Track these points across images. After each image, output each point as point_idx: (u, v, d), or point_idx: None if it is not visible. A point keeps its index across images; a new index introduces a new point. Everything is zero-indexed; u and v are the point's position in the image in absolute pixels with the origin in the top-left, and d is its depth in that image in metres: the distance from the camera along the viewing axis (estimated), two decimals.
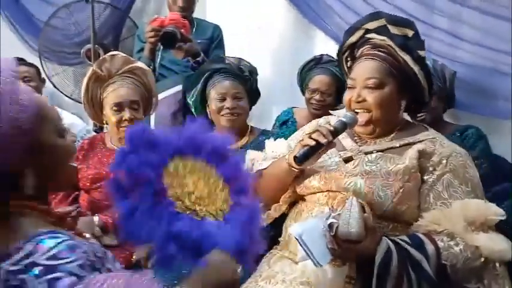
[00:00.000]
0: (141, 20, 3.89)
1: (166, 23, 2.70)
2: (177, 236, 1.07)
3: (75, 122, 3.45)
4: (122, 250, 1.99)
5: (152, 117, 2.82)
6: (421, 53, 1.66)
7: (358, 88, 1.63)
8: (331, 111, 1.90)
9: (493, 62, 2.57)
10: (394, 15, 1.76)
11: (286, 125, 2.76)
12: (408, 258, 1.43)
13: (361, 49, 1.68)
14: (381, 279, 1.40)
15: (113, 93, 2.25)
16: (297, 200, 1.72)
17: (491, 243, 1.46)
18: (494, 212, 1.51)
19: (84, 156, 2.26)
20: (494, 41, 2.55)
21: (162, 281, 0.95)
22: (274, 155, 1.77)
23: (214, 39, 3.08)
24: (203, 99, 2.28)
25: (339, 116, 1.68)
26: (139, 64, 2.37)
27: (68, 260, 0.93)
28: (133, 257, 2.01)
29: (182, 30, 2.71)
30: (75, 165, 1.24)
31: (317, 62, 2.72)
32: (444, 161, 1.58)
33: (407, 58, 1.62)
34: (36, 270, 0.92)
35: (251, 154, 1.85)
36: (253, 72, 2.36)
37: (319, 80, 2.69)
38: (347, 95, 1.67)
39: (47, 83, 3.84)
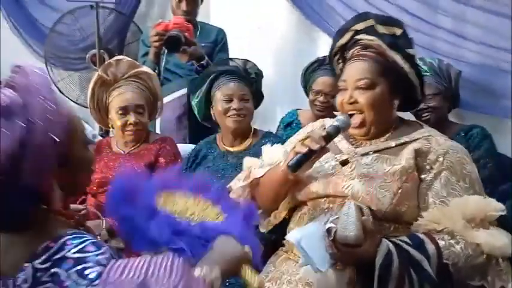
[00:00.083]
0: (145, 25, 3.91)
1: (171, 27, 2.72)
2: (182, 232, 1.12)
3: None
4: (128, 253, 2.00)
5: (157, 122, 2.84)
6: (411, 51, 1.66)
7: (349, 90, 1.62)
8: (335, 113, 1.90)
9: (496, 60, 2.57)
10: (382, 15, 1.76)
11: (290, 127, 2.76)
12: (409, 259, 1.42)
13: (352, 50, 1.67)
14: (382, 282, 1.39)
15: (118, 97, 2.27)
16: (298, 204, 1.71)
17: (492, 239, 1.45)
18: (494, 207, 1.50)
19: None
20: (498, 39, 2.54)
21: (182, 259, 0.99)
22: (271, 161, 1.76)
23: (218, 42, 3.09)
24: (208, 101, 2.28)
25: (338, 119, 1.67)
26: (145, 68, 2.39)
27: (96, 253, 0.97)
28: None
29: (186, 33, 2.72)
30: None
31: (320, 64, 2.72)
32: (441, 159, 1.57)
33: (397, 57, 1.61)
34: (67, 263, 0.95)
35: (248, 161, 1.85)
36: (259, 74, 2.37)
37: (322, 81, 2.69)
38: (339, 97, 1.66)
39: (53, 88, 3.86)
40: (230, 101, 2.21)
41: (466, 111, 2.70)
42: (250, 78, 2.30)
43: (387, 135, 1.66)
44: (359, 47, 1.65)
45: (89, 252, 0.97)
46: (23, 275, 0.97)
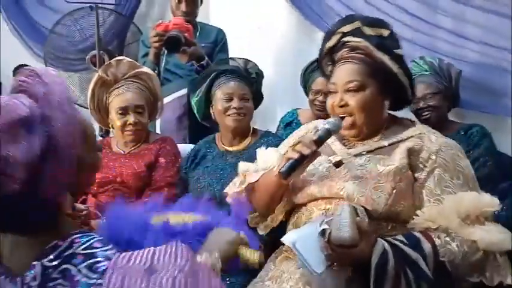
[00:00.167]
0: (145, 26, 3.92)
1: (170, 27, 2.73)
2: (176, 234, 1.21)
3: None
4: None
5: (158, 122, 2.84)
6: (398, 51, 1.65)
7: (339, 92, 1.62)
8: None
9: (496, 60, 2.57)
10: (368, 17, 1.75)
11: (290, 126, 2.76)
12: (404, 258, 1.41)
13: (340, 52, 1.67)
14: (379, 281, 1.39)
15: (118, 98, 2.27)
16: (295, 206, 1.71)
17: (488, 235, 1.44)
18: (489, 203, 1.49)
19: None
20: (497, 39, 2.55)
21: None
22: (265, 166, 1.75)
23: (218, 42, 3.10)
24: (207, 100, 2.28)
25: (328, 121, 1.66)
26: (145, 69, 2.40)
27: (103, 248, 0.99)
28: None
29: (186, 34, 2.73)
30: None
31: None
32: (433, 157, 1.57)
33: (385, 58, 1.61)
34: (77, 259, 0.97)
35: (243, 166, 1.84)
36: (259, 74, 2.37)
37: (321, 81, 2.68)
38: (329, 100, 1.66)
39: None
40: (230, 100, 2.21)
41: (467, 110, 2.70)
42: (250, 78, 2.30)
43: (379, 135, 1.66)
44: (347, 49, 1.65)
45: (97, 248, 0.99)
46: (31, 273, 0.97)
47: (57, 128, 0.98)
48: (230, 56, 3.00)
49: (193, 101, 2.34)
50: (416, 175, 1.57)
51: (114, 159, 2.29)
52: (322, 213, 1.56)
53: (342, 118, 1.61)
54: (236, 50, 3.12)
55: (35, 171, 0.96)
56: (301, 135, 1.79)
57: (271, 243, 1.78)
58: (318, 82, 2.70)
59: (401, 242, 1.45)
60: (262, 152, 1.83)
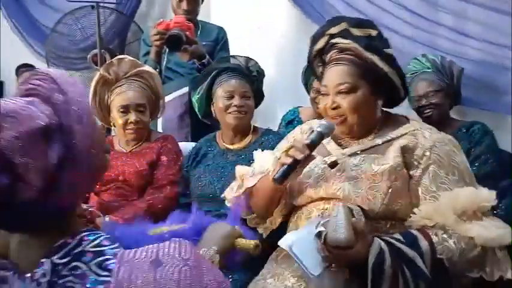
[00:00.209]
0: (146, 24, 3.93)
1: (171, 26, 2.73)
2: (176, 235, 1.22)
3: None
4: None
5: (159, 120, 2.84)
6: (388, 51, 1.65)
7: (331, 95, 1.62)
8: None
9: (497, 57, 2.57)
10: (355, 18, 1.75)
11: (292, 124, 2.76)
12: (401, 257, 1.41)
13: (329, 54, 1.67)
14: (376, 281, 1.39)
15: (120, 96, 2.28)
16: (294, 207, 1.72)
17: (485, 231, 1.43)
18: (486, 198, 1.48)
19: None
20: (498, 36, 2.55)
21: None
22: (261, 170, 1.75)
23: (219, 41, 3.10)
24: (208, 98, 2.28)
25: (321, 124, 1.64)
26: (147, 68, 2.40)
27: (111, 246, 1.00)
28: None
29: (187, 32, 2.73)
30: None
31: None
32: (427, 153, 1.56)
33: (374, 58, 1.60)
34: (86, 256, 0.98)
35: (240, 170, 1.84)
36: (260, 73, 2.37)
37: None
38: (322, 102, 1.66)
39: None
40: (231, 97, 2.20)
41: (468, 107, 2.70)
42: (251, 76, 2.30)
43: (373, 133, 1.66)
44: (336, 50, 1.65)
45: (105, 245, 0.99)
46: (41, 269, 0.98)
47: (76, 139, 0.99)
48: (231, 54, 3.00)
49: (195, 98, 2.34)
50: (411, 173, 1.56)
51: (116, 157, 2.29)
52: (319, 215, 1.57)
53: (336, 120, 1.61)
54: (237, 48, 3.12)
55: (53, 180, 0.96)
56: (298, 133, 1.79)
57: (272, 242, 1.79)
58: None
59: (398, 240, 1.44)
60: (258, 155, 1.84)
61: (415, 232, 1.47)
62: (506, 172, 2.30)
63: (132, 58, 2.39)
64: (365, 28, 1.65)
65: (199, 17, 3.17)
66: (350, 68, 1.61)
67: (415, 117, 2.43)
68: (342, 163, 1.60)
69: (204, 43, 2.93)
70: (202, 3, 3.17)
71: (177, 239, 1.02)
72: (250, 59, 2.35)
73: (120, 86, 2.29)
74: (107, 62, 2.40)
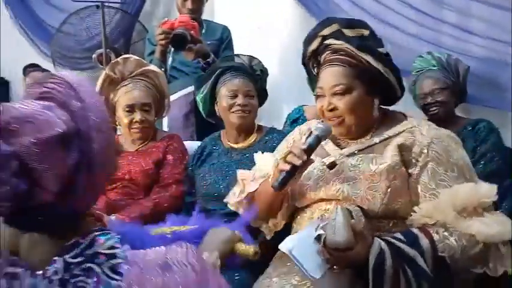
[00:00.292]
0: (150, 24, 3.94)
1: (176, 25, 2.73)
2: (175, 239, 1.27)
3: None
4: None
5: (165, 119, 2.85)
6: (382, 50, 1.64)
7: (327, 96, 1.61)
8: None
9: (501, 54, 2.56)
10: (346, 19, 1.74)
11: (296, 123, 2.75)
12: (402, 256, 1.41)
13: (323, 55, 1.66)
14: (377, 281, 1.39)
15: (125, 96, 2.29)
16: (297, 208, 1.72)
17: (486, 228, 1.42)
18: (486, 193, 1.46)
19: None
20: (502, 33, 2.54)
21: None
22: (262, 174, 1.76)
23: (224, 40, 3.10)
24: (212, 97, 2.28)
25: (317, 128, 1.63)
26: (152, 67, 2.41)
27: (123, 249, 1.01)
28: None
29: (192, 31, 2.73)
30: None
31: None
32: (425, 151, 1.54)
33: (368, 58, 1.59)
34: (99, 259, 0.99)
35: (242, 174, 1.85)
36: (264, 71, 2.36)
37: None
38: (318, 104, 1.65)
39: None
40: (235, 96, 2.20)
41: (472, 105, 2.70)
42: (255, 75, 2.30)
43: (371, 132, 1.65)
44: (329, 51, 1.64)
45: (117, 248, 1.01)
46: (53, 267, 0.99)
47: (93, 145, 1.00)
48: (236, 52, 3.00)
49: (199, 97, 2.34)
50: (410, 171, 1.55)
51: (122, 156, 2.30)
52: (319, 217, 1.56)
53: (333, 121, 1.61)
54: (242, 47, 3.12)
55: (69, 184, 0.98)
56: (295, 138, 1.79)
57: (276, 243, 1.80)
58: None
59: (398, 240, 1.44)
60: (259, 158, 1.84)
61: (415, 231, 1.47)
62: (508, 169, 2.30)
63: (137, 57, 2.40)
64: (357, 28, 1.64)
65: (203, 17, 3.18)
66: (344, 69, 1.60)
67: (419, 115, 2.44)
68: (340, 164, 1.59)
69: (208, 42, 2.93)
70: (206, 2, 3.18)
71: (183, 243, 1.03)
72: (254, 57, 2.34)
73: (125, 85, 2.30)
74: (112, 62, 2.41)
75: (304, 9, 3.34)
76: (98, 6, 3.75)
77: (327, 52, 1.65)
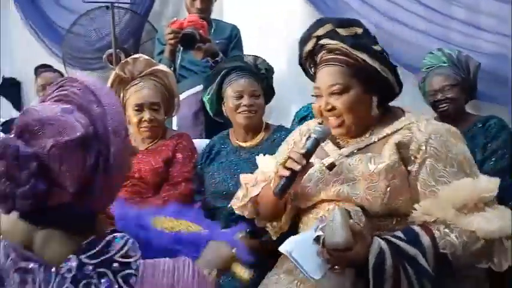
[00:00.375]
0: (160, 24, 3.96)
1: (185, 24, 2.75)
2: (178, 240, 1.32)
3: None
4: None
5: (174, 118, 2.87)
6: (377, 47, 1.63)
7: (324, 96, 1.61)
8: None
9: (510, 50, 2.54)
10: (339, 18, 1.73)
11: (305, 120, 2.76)
12: (402, 255, 1.40)
13: (319, 55, 1.65)
14: (378, 280, 1.39)
15: (135, 95, 2.31)
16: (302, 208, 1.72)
17: (486, 224, 1.40)
18: (486, 188, 1.44)
19: None
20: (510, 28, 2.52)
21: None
22: (264, 177, 1.76)
23: (233, 39, 3.11)
24: (219, 97, 2.29)
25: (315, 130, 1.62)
26: (161, 66, 2.42)
27: (135, 258, 1.04)
28: None
29: (201, 31, 2.75)
30: None
31: None
32: (423, 147, 1.52)
33: (364, 56, 1.58)
34: (114, 267, 1.02)
35: (244, 178, 1.85)
36: (269, 70, 2.36)
37: None
38: (316, 104, 1.65)
39: None
40: (241, 97, 2.21)
41: (482, 102, 2.68)
42: (260, 74, 2.29)
43: (370, 130, 1.64)
44: (325, 51, 1.64)
45: (131, 257, 1.03)
46: (67, 265, 1.01)
47: (111, 148, 1.02)
48: (245, 52, 3.01)
49: (205, 98, 2.36)
50: (409, 168, 1.53)
51: None
52: (318, 219, 1.55)
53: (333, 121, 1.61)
54: (250, 46, 3.13)
55: (87, 184, 1.00)
56: (295, 140, 1.79)
57: (280, 243, 1.80)
58: None
59: (398, 238, 1.43)
60: (260, 161, 1.84)
61: (416, 228, 1.46)
62: None
63: (146, 57, 2.41)
64: (350, 27, 1.63)
65: (213, 16, 3.19)
66: (340, 68, 1.59)
67: (429, 112, 2.42)
68: (339, 165, 1.59)
69: (217, 41, 2.94)
70: (215, 1, 3.19)
71: (189, 259, 1.09)
72: (258, 57, 2.34)
73: (135, 84, 2.32)
74: (122, 62, 2.43)
75: (313, 7, 3.33)
76: (107, 7, 3.78)
77: (323, 52, 1.64)
